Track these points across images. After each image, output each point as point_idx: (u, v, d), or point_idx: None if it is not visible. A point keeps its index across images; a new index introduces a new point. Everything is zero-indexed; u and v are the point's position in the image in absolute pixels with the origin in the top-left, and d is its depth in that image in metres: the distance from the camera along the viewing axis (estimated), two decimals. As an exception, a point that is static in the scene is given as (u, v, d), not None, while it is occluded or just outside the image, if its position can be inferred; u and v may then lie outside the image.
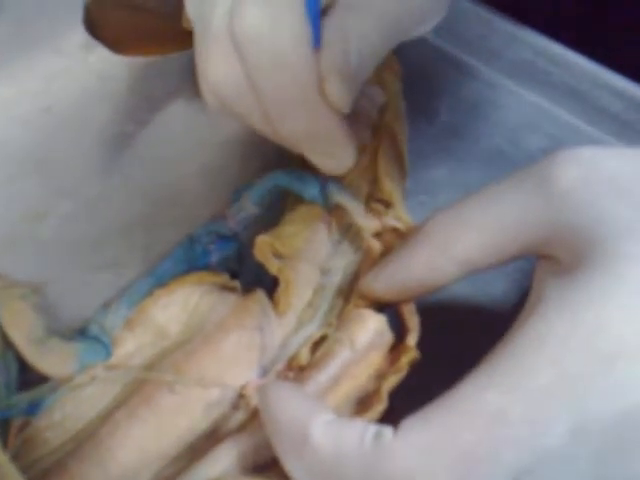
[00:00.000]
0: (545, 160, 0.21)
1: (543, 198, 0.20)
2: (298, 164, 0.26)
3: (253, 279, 0.26)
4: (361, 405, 0.22)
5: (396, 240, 0.24)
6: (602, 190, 0.19)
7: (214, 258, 0.26)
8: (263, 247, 0.24)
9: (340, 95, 0.21)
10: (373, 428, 0.18)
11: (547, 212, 0.20)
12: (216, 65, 0.21)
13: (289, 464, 0.19)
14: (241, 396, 0.22)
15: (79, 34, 0.32)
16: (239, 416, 0.22)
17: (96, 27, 0.29)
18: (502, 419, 0.17)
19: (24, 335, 0.22)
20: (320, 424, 0.18)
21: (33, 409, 0.22)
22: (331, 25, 0.21)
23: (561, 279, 0.19)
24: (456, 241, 0.21)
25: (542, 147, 0.31)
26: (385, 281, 0.23)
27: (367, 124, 0.24)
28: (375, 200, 0.25)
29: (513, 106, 0.33)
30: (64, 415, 0.22)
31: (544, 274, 0.20)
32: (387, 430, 0.18)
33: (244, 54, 0.21)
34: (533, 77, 0.33)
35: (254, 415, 0.22)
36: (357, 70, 0.21)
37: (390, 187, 0.25)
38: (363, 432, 0.18)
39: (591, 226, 0.19)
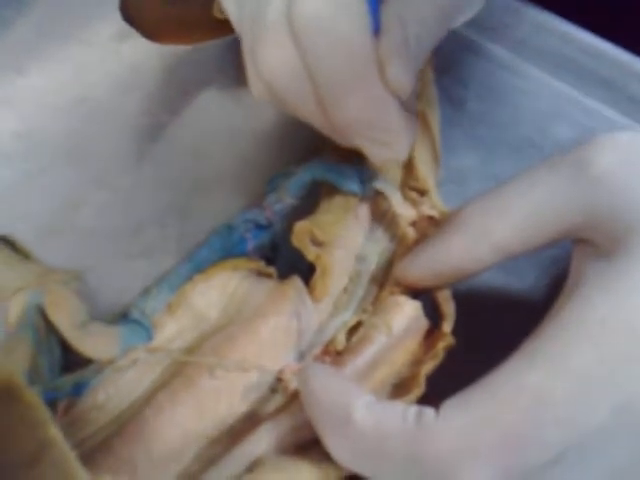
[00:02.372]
0: (582, 146, 0.21)
1: (580, 182, 0.20)
2: (332, 154, 0.26)
3: (288, 268, 0.26)
4: (399, 390, 0.22)
5: (430, 228, 0.24)
6: (638, 173, 0.19)
7: (250, 246, 0.26)
8: (301, 233, 0.24)
9: (400, 79, 0.21)
10: (414, 408, 0.19)
11: (585, 196, 0.20)
12: (271, 52, 0.21)
13: (332, 444, 0.19)
14: (279, 380, 0.23)
15: (110, 25, 0.32)
16: (277, 399, 0.23)
17: (132, 14, 0.29)
18: (545, 399, 0.17)
19: (67, 319, 0.23)
20: (361, 405, 0.19)
21: (77, 391, 0.22)
22: (389, 12, 0.21)
23: (601, 262, 0.19)
24: (493, 227, 0.21)
25: (571, 136, 0.31)
26: (420, 267, 0.23)
27: (413, 112, 0.24)
28: (409, 188, 0.25)
29: (541, 95, 0.33)
30: (107, 396, 0.22)
31: (583, 258, 0.20)
32: (429, 410, 0.18)
33: (303, 40, 0.21)
34: (561, 65, 0.33)
35: (292, 398, 0.22)
36: (415, 55, 0.21)
37: (425, 175, 0.25)
38: (405, 412, 0.18)
39: (629, 209, 0.19)
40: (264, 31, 0.22)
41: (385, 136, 0.22)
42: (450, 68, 0.33)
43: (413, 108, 0.23)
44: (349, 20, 0.21)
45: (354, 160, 0.25)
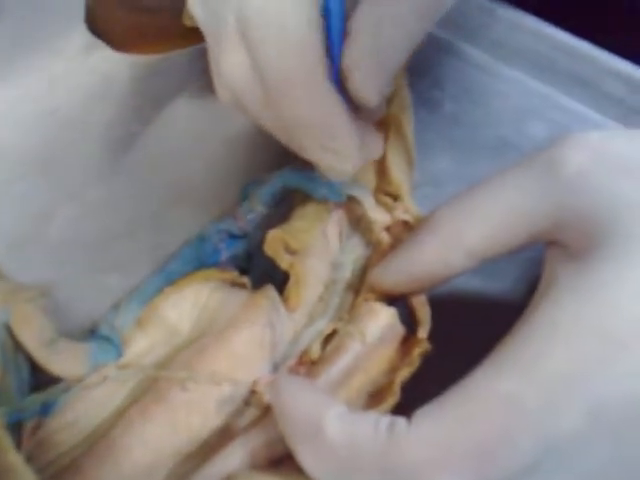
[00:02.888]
0: (552, 146, 0.21)
1: (551, 183, 0.20)
2: (304, 160, 0.26)
3: (262, 277, 0.26)
4: (373, 399, 0.22)
5: (405, 233, 0.24)
6: (611, 172, 0.19)
7: (224, 256, 0.26)
8: (274, 242, 0.24)
9: (366, 89, 0.20)
10: (386, 419, 0.18)
11: (556, 197, 0.20)
12: (227, 56, 0.21)
13: (303, 457, 0.19)
14: (253, 392, 0.22)
15: (80, 35, 0.32)
16: (251, 412, 0.22)
17: (98, 26, 0.29)
18: (516, 405, 0.17)
19: (34, 337, 0.22)
20: (333, 416, 0.18)
21: (45, 410, 0.22)
22: (362, 12, 0.20)
23: (572, 264, 0.19)
24: (465, 231, 0.21)
25: (548, 135, 0.31)
26: (394, 274, 0.22)
27: (372, 120, 0.23)
28: (383, 193, 0.25)
29: (517, 94, 0.33)
30: (76, 415, 0.22)
31: (554, 260, 0.20)
32: (401, 420, 0.18)
33: (249, 38, 0.20)
34: (536, 64, 0.33)
35: (266, 411, 0.22)
36: (388, 62, 0.20)
37: (399, 179, 0.25)
38: (377, 423, 0.18)
39: (601, 209, 0.19)
40: (223, 33, 0.21)
41: (332, 142, 0.21)
42: (424, 70, 0.33)
43: (377, 115, 0.22)
44: (296, 13, 0.20)
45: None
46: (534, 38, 0.33)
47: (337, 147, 0.21)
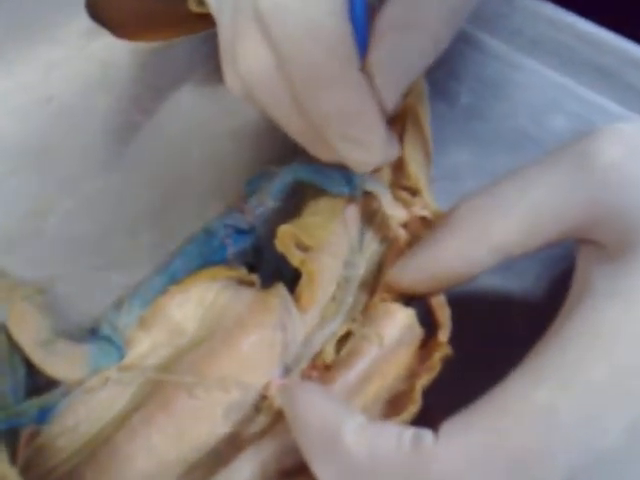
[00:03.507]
0: (583, 138, 0.19)
1: (583, 178, 0.18)
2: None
3: (272, 274, 0.24)
4: (392, 406, 0.20)
5: (423, 229, 0.23)
6: None
7: (231, 252, 0.25)
8: (285, 238, 0.23)
9: (384, 91, 0.19)
10: (410, 431, 0.17)
11: (589, 192, 0.18)
12: (245, 48, 0.20)
13: (320, 470, 0.17)
14: (263, 397, 0.21)
15: (79, 22, 0.30)
16: (262, 419, 0.21)
17: (99, 11, 0.28)
18: (554, 418, 0.16)
19: (31, 337, 0.21)
20: (352, 427, 0.17)
21: (43, 416, 0.20)
22: (387, 15, 0.20)
23: (609, 265, 0.18)
24: (491, 227, 0.20)
25: (568, 127, 0.30)
26: (414, 272, 0.21)
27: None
28: (400, 187, 0.24)
29: (536, 85, 0.31)
30: (77, 420, 0.21)
31: (588, 261, 0.19)
32: (426, 433, 0.17)
33: (272, 30, 0.19)
34: (556, 54, 0.32)
35: (277, 417, 0.20)
36: (410, 67, 0.20)
37: (416, 173, 0.23)
38: (400, 435, 0.17)
39: (635, 206, 0.18)
40: (240, 24, 0.20)
41: (361, 134, 0.20)
42: (442, 61, 0.32)
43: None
44: (321, 6, 0.19)
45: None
46: (554, 28, 0.32)
47: (366, 139, 0.20)
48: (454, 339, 0.22)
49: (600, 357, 0.16)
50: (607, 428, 0.16)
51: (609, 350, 0.16)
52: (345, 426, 0.17)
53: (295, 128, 0.21)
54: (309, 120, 0.20)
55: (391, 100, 0.20)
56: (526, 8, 0.32)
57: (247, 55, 0.20)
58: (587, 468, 0.16)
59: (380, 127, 0.20)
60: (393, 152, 0.21)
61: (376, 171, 0.24)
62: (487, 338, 0.24)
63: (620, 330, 0.16)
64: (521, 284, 0.26)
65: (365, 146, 0.20)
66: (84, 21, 0.28)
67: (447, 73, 0.32)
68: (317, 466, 0.17)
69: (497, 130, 0.30)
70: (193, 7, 0.26)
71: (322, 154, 0.22)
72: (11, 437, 0.20)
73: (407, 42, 0.20)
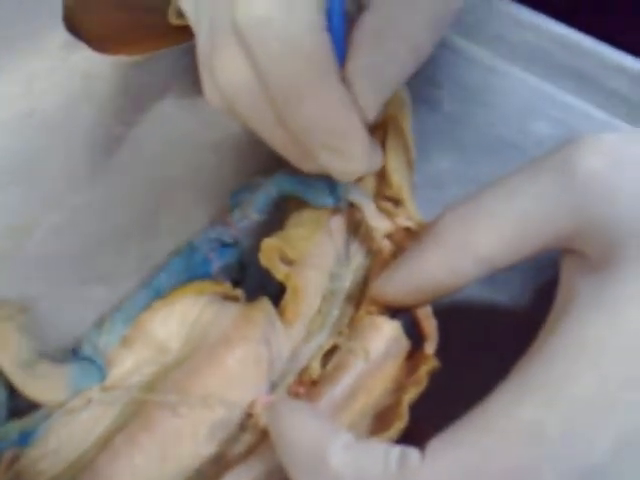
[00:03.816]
0: (564, 148, 0.19)
1: (566, 188, 0.18)
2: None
3: (257, 287, 0.24)
4: (379, 421, 0.20)
5: (407, 240, 0.23)
6: (629, 176, 0.18)
7: (215, 266, 0.25)
8: (269, 251, 0.22)
9: (363, 101, 0.19)
10: (397, 450, 0.17)
11: (571, 203, 0.18)
12: (223, 61, 0.20)
13: (307, 493, 0.17)
14: (249, 415, 0.21)
15: (60, 33, 0.30)
16: (247, 437, 0.21)
17: (77, 26, 0.27)
18: (540, 436, 0.15)
19: (11, 359, 0.21)
20: (338, 447, 0.17)
21: (25, 439, 0.20)
22: (366, 23, 0.20)
23: (593, 276, 0.18)
24: (475, 238, 0.19)
25: (550, 133, 0.30)
26: (398, 284, 0.21)
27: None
28: (384, 198, 0.23)
29: (518, 91, 0.31)
30: (59, 443, 0.20)
31: (573, 271, 0.19)
32: (413, 452, 0.16)
33: (251, 44, 0.19)
34: (537, 60, 0.32)
35: (263, 436, 0.20)
36: (391, 76, 0.20)
37: (399, 182, 0.23)
38: (386, 455, 0.17)
39: (619, 217, 0.18)
40: (218, 36, 0.20)
41: (343, 143, 0.20)
42: (423, 68, 0.32)
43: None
44: (301, 19, 0.19)
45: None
46: (534, 33, 0.32)
47: (348, 148, 0.20)
48: (440, 350, 0.22)
49: (585, 371, 0.16)
50: (594, 443, 0.16)
51: (594, 363, 0.16)
52: (331, 446, 0.17)
53: (277, 140, 0.21)
54: (291, 132, 0.20)
55: (371, 109, 0.20)
56: (506, 14, 0.32)
57: (225, 68, 0.20)
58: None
59: (362, 136, 0.20)
60: (377, 161, 0.21)
61: (360, 180, 0.24)
62: (474, 348, 0.24)
63: (605, 343, 0.16)
64: (507, 294, 0.26)
65: (347, 156, 0.20)
66: (64, 33, 0.28)
67: (428, 80, 0.32)
68: (302, 486, 0.17)
69: (479, 137, 0.30)
70: (173, 19, 0.26)
71: (305, 165, 0.22)
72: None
73: (386, 51, 0.20)
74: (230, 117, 0.22)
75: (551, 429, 0.16)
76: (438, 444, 0.16)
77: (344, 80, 0.20)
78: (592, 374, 0.16)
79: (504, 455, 0.16)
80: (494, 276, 0.23)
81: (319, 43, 0.19)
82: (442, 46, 0.33)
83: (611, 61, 0.31)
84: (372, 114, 0.20)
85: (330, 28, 0.20)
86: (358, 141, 0.20)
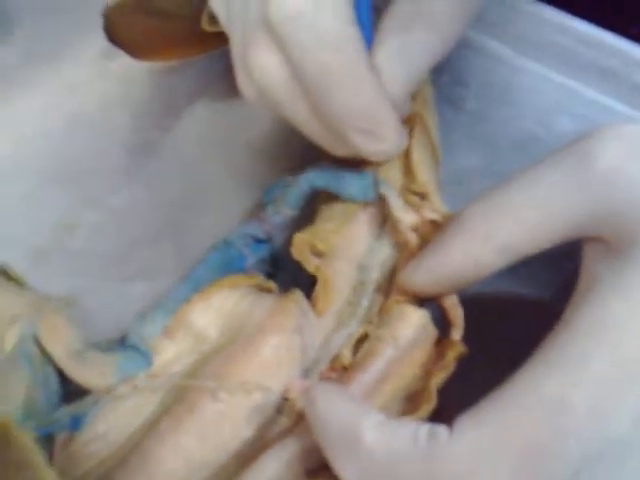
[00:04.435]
0: (584, 139, 0.20)
1: (586, 177, 0.19)
2: (329, 160, 0.25)
3: (290, 281, 0.25)
4: (409, 404, 0.21)
5: (433, 232, 0.23)
6: None
7: (249, 262, 0.26)
8: (301, 245, 0.23)
9: (390, 88, 0.21)
10: (426, 427, 0.18)
11: (591, 192, 0.19)
12: (257, 55, 0.21)
13: (341, 467, 0.18)
14: (285, 399, 0.22)
15: (99, 43, 0.31)
16: (284, 420, 0.22)
17: (115, 34, 0.29)
18: (564, 410, 0.16)
19: (63, 348, 0.22)
20: (371, 425, 0.18)
21: (76, 423, 0.21)
22: (394, 12, 0.21)
23: (614, 260, 0.18)
24: (497, 229, 0.20)
25: (574, 129, 0.31)
26: (424, 274, 0.22)
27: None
28: (410, 192, 0.24)
29: (542, 88, 0.32)
30: (107, 427, 0.21)
31: (594, 257, 0.19)
32: (441, 429, 0.17)
33: (283, 38, 0.20)
34: (560, 58, 0.32)
35: (299, 419, 0.21)
36: (416, 64, 0.21)
37: (425, 177, 0.24)
38: (416, 431, 0.17)
39: (638, 201, 0.18)
40: (252, 33, 0.21)
41: (376, 127, 0.21)
42: (446, 66, 0.33)
43: (403, 112, 0.23)
44: (328, 13, 0.20)
45: (352, 165, 0.24)
46: (558, 31, 0.32)
47: (380, 131, 0.22)
48: (468, 339, 0.22)
49: (607, 348, 0.17)
50: (616, 418, 0.16)
51: (616, 341, 0.17)
52: (364, 425, 0.18)
53: (311, 129, 0.23)
54: (325, 120, 0.22)
55: (400, 93, 0.22)
56: (530, 13, 0.33)
57: (260, 63, 0.21)
58: (597, 457, 0.16)
59: (393, 119, 0.22)
60: (404, 142, 0.23)
61: (387, 173, 0.25)
62: (500, 334, 0.24)
63: (626, 324, 0.17)
64: (528, 286, 0.27)
65: (380, 138, 0.22)
66: (103, 42, 0.29)
67: (453, 79, 0.32)
68: (338, 464, 0.18)
69: (504, 133, 0.31)
70: (206, 26, 0.28)
71: (338, 151, 0.23)
72: (46, 444, 0.21)
73: (415, 39, 0.21)
74: (265, 111, 0.23)
75: (574, 404, 0.16)
76: (465, 420, 0.17)
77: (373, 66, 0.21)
78: (611, 353, 0.17)
79: (530, 429, 0.16)
80: (515, 268, 0.23)
81: (349, 34, 0.20)
82: (467, 46, 0.33)
83: (633, 56, 0.31)
84: (400, 98, 0.22)
85: (358, 18, 0.21)
86: (389, 123, 0.21)
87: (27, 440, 0.17)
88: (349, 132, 0.21)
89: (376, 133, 0.21)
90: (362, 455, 0.18)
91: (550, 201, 0.20)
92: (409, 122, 0.24)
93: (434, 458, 0.17)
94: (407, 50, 0.21)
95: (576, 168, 0.19)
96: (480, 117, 0.31)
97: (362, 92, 0.21)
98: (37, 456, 0.16)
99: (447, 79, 0.32)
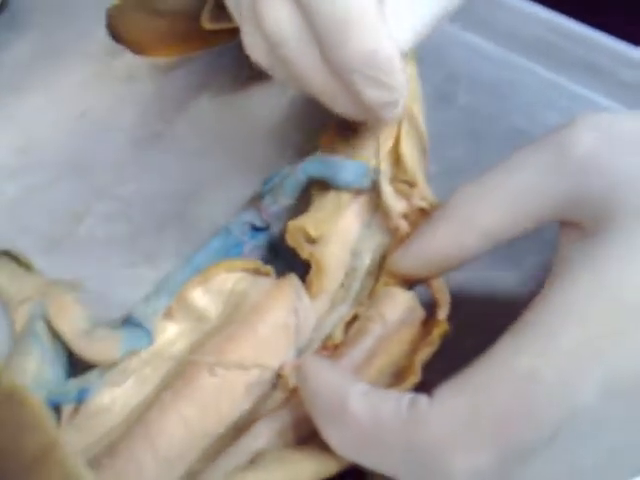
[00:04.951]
0: (562, 128, 0.21)
1: (562, 164, 0.20)
2: (326, 151, 0.27)
3: (286, 269, 0.26)
4: (396, 379, 0.22)
5: (422, 219, 0.25)
6: (620, 151, 0.20)
7: (247, 248, 0.27)
8: (295, 232, 0.25)
9: (402, 36, 0.21)
10: (408, 396, 0.19)
11: (567, 177, 0.20)
12: (268, 9, 0.21)
13: (329, 434, 0.19)
14: (279, 376, 0.23)
15: (105, 40, 0.33)
16: (278, 395, 0.23)
17: (119, 32, 0.30)
18: (535, 380, 0.17)
19: (70, 326, 0.23)
20: (357, 394, 0.19)
21: (82, 395, 0.23)
22: None
23: (585, 242, 0.19)
24: (478, 213, 0.21)
25: (559, 122, 0.31)
26: (411, 258, 0.23)
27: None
28: (400, 181, 0.26)
29: (530, 84, 0.33)
30: (112, 400, 0.23)
31: (568, 240, 0.20)
32: (422, 397, 0.19)
33: None
34: (548, 54, 0.33)
35: (292, 394, 0.23)
36: (425, 15, 0.22)
37: (413, 167, 0.25)
38: (399, 400, 0.19)
39: (611, 187, 0.20)
40: None
41: (385, 75, 0.21)
42: (438, 63, 0.34)
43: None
44: None
45: (347, 155, 0.26)
46: (545, 28, 0.34)
47: (389, 80, 0.22)
48: (453, 320, 0.24)
49: (575, 322, 0.18)
50: (584, 387, 0.17)
51: (583, 315, 0.18)
52: (350, 394, 0.19)
53: (319, 82, 0.23)
54: (334, 69, 0.22)
55: (406, 43, 0.22)
56: (518, 10, 0.34)
57: (271, 14, 0.22)
58: (567, 425, 0.17)
59: (401, 68, 0.22)
60: (406, 94, 0.23)
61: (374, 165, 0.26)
62: (485, 320, 0.26)
63: (593, 297, 0.18)
64: (516, 273, 0.28)
65: (389, 87, 0.22)
66: (108, 40, 0.31)
67: (445, 76, 0.34)
68: (326, 431, 0.19)
69: (492, 127, 0.32)
70: (206, 24, 0.29)
71: (344, 107, 0.23)
72: (54, 415, 0.23)
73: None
74: (270, 71, 0.24)
75: (545, 376, 0.17)
76: (444, 389, 0.18)
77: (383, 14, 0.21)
78: (579, 326, 0.18)
79: (503, 398, 0.17)
80: (505, 256, 0.24)
81: None
82: (459, 44, 0.35)
83: (618, 53, 0.32)
84: (406, 48, 0.22)
85: None
86: (398, 72, 0.22)
87: (39, 403, 0.18)
88: (358, 81, 0.21)
89: (384, 82, 0.21)
90: (348, 421, 0.19)
91: (528, 186, 0.21)
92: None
93: (414, 423, 0.18)
94: (414, 3, 0.22)
95: (553, 155, 0.21)
96: (470, 111, 0.33)
97: (373, 40, 0.21)
98: (48, 419, 0.18)
99: (440, 76, 0.34)
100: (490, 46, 0.34)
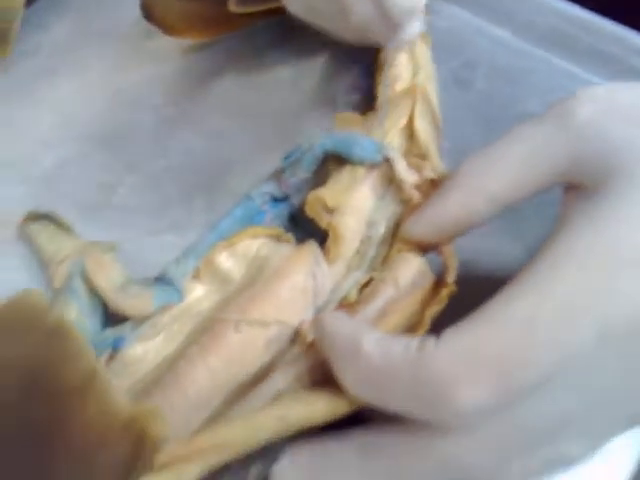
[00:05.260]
0: (564, 100, 0.23)
1: (564, 131, 0.22)
2: (342, 128, 0.28)
3: (305, 237, 0.28)
4: (407, 332, 0.24)
5: (433, 190, 0.26)
6: (618, 119, 0.21)
7: (268, 217, 0.29)
8: (314, 203, 0.26)
9: None
10: (417, 339, 0.20)
11: (568, 144, 0.22)
12: None
13: (343, 376, 0.21)
14: (297, 333, 0.25)
15: (139, 21, 0.35)
16: (296, 349, 0.25)
17: (152, 14, 0.32)
18: (532, 324, 0.19)
19: (107, 282, 0.25)
20: (371, 339, 0.21)
21: (117, 343, 0.24)
22: None
23: (586, 201, 0.21)
24: (486, 178, 0.23)
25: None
26: (424, 224, 0.25)
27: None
28: (412, 155, 0.27)
29: (545, 72, 0.35)
30: (145, 350, 0.25)
31: (571, 200, 0.22)
32: (430, 339, 0.20)
33: None
34: (563, 43, 0.35)
35: (310, 347, 0.24)
36: None
37: (426, 140, 0.27)
38: (408, 342, 0.20)
39: (610, 153, 0.21)
40: None
41: None
42: (457, 51, 0.35)
43: None
44: None
45: (362, 132, 0.27)
46: (560, 19, 0.35)
47: None
48: (460, 285, 0.25)
49: (573, 271, 0.19)
50: (579, 332, 0.19)
51: (581, 265, 0.19)
52: (364, 338, 0.21)
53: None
54: None
55: None
56: (535, 2, 0.36)
57: None
58: (562, 367, 0.19)
59: None
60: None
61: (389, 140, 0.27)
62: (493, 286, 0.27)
63: (592, 248, 0.19)
64: (523, 244, 0.29)
65: None
66: (142, 21, 0.33)
67: (463, 62, 0.35)
68: (341, 372, 0.21)
69: (508, 113, 0.33)
70: (233, 8, 0.31)
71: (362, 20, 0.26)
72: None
73: None
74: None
75: (542, 320, 0.19)
76: (450, 331, 0.20)
77: None
78: (577, 275, 0.19)
79: (502, 338, 0.19)
80: (513, 228, 0.26)
81: None
82: (476, 32, 0.36)
83: (631, 43, 0.34)
84: None
85: None
86: None
87: (82, 337, 0.20)
88: None
89: None
90: (361, 362, 0.20)
91: (533, 152, 0.22)
92: (412, 93, 0.27)
93: (421, 361, 0.20)
94: None
95: (556, 124, 0.22)
96: (486, 98, 0.34)
97: None
98: (91, 351, 0.20)
99: (458, 63, 0.35)
100: (507, 35, 0.36)
